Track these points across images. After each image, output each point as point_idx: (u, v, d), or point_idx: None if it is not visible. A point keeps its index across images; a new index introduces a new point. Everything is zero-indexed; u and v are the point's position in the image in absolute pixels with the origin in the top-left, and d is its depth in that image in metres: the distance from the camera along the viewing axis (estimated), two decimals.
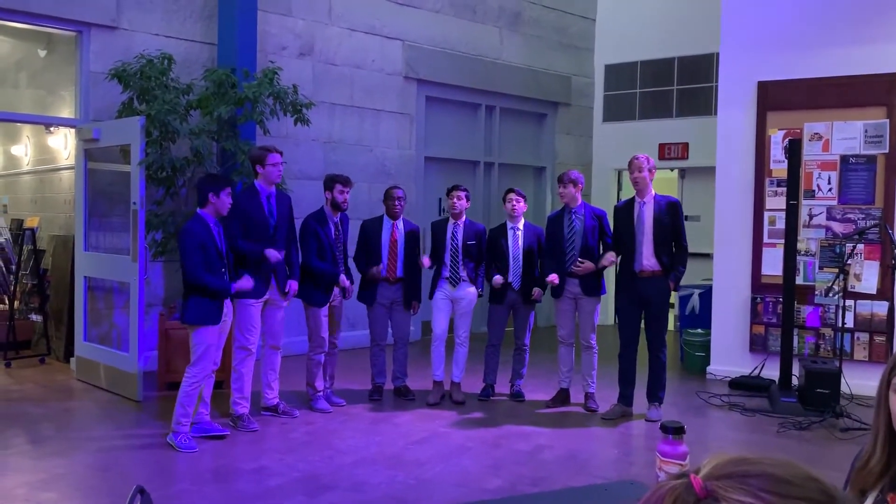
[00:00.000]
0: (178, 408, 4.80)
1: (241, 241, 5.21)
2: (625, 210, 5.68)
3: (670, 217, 5.51)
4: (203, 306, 4.78)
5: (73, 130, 6.94)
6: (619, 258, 5.71)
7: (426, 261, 5.96)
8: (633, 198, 5.63)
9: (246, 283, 4.97)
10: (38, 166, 8.71)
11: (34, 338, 7.64)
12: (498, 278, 5.96)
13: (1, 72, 8.77)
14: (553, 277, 5.77)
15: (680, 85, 9.95)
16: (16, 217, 8.58)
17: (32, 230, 7.42)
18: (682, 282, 9.12)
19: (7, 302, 7.42)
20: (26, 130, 8.91)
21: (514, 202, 6.04)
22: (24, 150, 9.02)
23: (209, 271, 4.77)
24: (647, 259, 5.51)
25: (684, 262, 5.61)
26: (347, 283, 5.75)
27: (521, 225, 6.08)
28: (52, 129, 8.10)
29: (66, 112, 7.27)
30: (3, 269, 7.68)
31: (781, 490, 0.74)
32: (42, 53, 7.89)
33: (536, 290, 6.03)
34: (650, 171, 5.52)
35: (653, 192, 5.59)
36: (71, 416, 5.57)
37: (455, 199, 6.02)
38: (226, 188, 4.91)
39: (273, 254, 5.22)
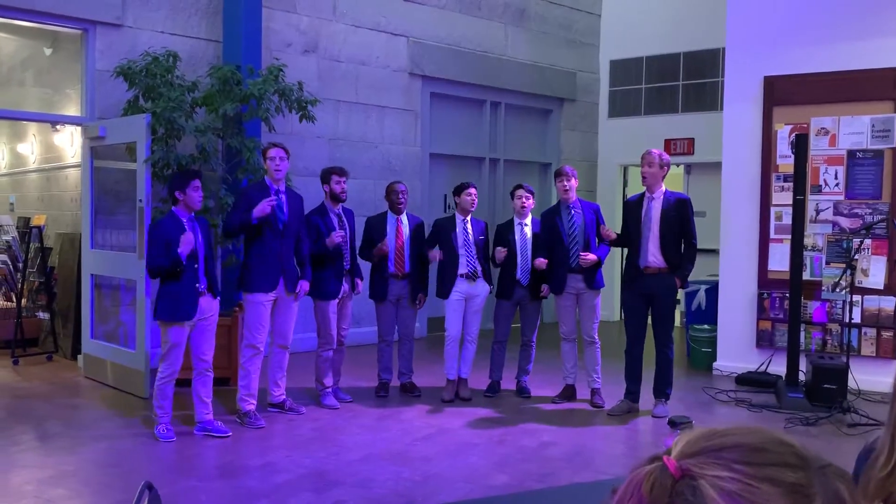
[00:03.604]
0: (153, 401, 4.94)
1: (234, 216, 5.19)
2: (634, 205, 5.65)
3: (678, 214, 5.47)
4: (172, 303, 4.81)
5: (79, 128, 6.96)
6: (626, 253, 5.69)
7: (437, 253, 5.90)
8: (644, 193, 5.61)
9: (187, 239, 4.73)
10: (44, 164, 8.73)
11: (41, 335, 7.66)
12: (500, 250, 5.90)
13: (7, 70, 8.79)
14: (540, 261, 5.73)
15: (686, 80, 9.92)
16: (23, 215, 8.60)
17: (39, 228, 7.44)
18: (689, 277, 9.13)
19: (14, 300, 7.45)
20: (33, 129, 8.93)
21: (525, 199, 6.03)
22: (30, 148, 9.04)
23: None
24: (653, 255, 5.49)
25: (692, 260, 5.59)
26: (338, 237, 5.54)
27: (528, 221, 6.07)
28: (58, 127, 8.12)
29: (72, 110, 7.29)
30: (11, 266, 7.70)
31: (756, 459, 0.74)
32: (48, 52, 7.91)
33: (545, 287, 6.02)
34: (662, 167, 5.48)
35: (663, 188, 5.56)
36: (79, 413, 5.59)
37: (474, 197, 6.01)
38: (191, 182, 4.89)
39: (261, 207, 5.05)
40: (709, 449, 0.75)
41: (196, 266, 4.88)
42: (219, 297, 5.12)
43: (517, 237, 6.02)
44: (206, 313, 4.97)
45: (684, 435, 0.79)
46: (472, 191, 6.03)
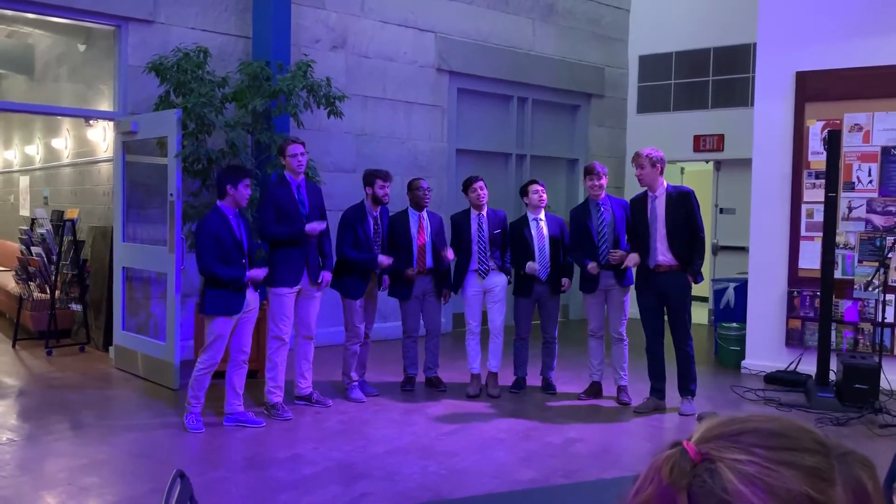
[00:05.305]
0: (189, 390, 4.99)
1: (274, 226, 5.29)
2: (639, 204, 5.61)
3: (683, 209, 5.41)
4: (220, 298, 4.88)
5: (111, 123, 7.06)
6: (637, 254, 5.63)
7: (450, 253, 5.94)
8: (647, 191, 5.57)
9: (259, 273, 5.01)
10: (77, 159, 8.87)
11: (74, 327, 7.81)
12: (532, 264, 5.91)
13: (42, 66, 8.94)
14: (593, 266, 5.70)
15: (715, 76, 9.81)
16: (56, 209, 8.75)
17: (72, 221, 7.57)
18: (718, 275, 9.05)
19: (48, 291, 7.59)
20: (66, 124, 9.08)
21: (542, 193, 6.01)
22: (64, 142, 9.20)
23: (224, 263, 4.86)
24: (663, 254, 5.44)
25: (701, 254, 5.51)
26: (387, 261, 5.71)
27: (542, 216, 6.04)
28: (91, 122, 8.24)
29: (105, 105, 7.40)
30: (45, 259, 7.85)
31: (775, 443, 0.74)
32: (82, 48, 8.03)
33: (565, 281, 6.00)
34: (654, 165, 5.41)
35: (664, 184, 5.51)
36: (110, 404, 5.69)
37: (480, 191, 5.99)
38: (244, 179, 4.95)
39: (313, 227, 5.26)
40: (728, 434, 0.76)
41: (244, 262, 4.96)
42: (260, 290, 5.21)
43: (534, 233, 5.98)
44: (250, 306, 5.06)
45: (705, 421, 0.80)
46: (479, 185, 5.99)
